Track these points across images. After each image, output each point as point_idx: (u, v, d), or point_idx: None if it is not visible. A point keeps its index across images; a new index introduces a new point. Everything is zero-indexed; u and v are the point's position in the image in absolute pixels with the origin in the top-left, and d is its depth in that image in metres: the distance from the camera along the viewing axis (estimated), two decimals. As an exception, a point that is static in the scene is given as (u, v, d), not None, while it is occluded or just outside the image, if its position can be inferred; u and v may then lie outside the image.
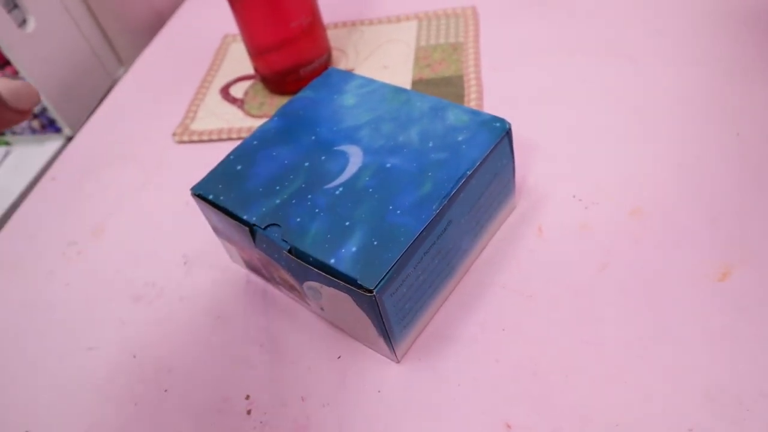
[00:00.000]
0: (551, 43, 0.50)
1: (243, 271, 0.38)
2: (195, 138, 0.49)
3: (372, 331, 0.30)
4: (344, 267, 0.27)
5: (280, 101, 0.50)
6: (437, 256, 0.30)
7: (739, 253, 0.33)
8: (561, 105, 0.44)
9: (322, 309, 0.32)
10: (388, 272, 0.27)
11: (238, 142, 0.48)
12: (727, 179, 0.37)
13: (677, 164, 0.38)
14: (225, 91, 0.53)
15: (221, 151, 0.48)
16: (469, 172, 0.30)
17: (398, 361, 0.32)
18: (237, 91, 0.53)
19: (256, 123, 0.49)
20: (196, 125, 0.50)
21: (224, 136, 0.48)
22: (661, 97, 0.43)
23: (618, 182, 0.38)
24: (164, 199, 0.45)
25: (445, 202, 0.29)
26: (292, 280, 0.32)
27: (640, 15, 0.51)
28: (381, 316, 0.28)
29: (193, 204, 0.44)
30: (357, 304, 0.28)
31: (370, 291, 0.26)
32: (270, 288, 0.37)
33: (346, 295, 0.28)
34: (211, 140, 0.49)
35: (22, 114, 0.20)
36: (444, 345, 0.32)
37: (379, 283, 0.26)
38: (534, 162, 0.41)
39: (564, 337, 0.31)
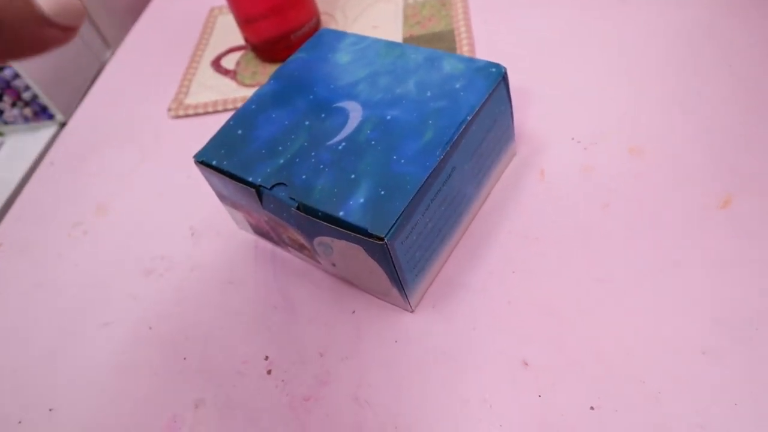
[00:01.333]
0: (540, -9, 0.50)
1: (251, 237, 0.39)
2: (190, 112, 0.49)
3: (385, 281, 0.30)
4: (354, 218, 0.28)
5: (272, 69, 0.50)
6: (443, 203, 0.31)
7: (739, 180, 0.33)
8: (553, 50, 0.44)
9: (333, 265, 0.33)
10: (397, 220, 0.27)
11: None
12: (722, 110, 0.37)
13: (672, 100, 0.38)
14: (216, 64, 0.53)
15: (217, 123, 0.48)
16: (469, 118, 0.30)
17: (412, 311, 0.32)
18: (228, 62, 0.52)
19: (250, 92, 0.49)
20: (191, 99, 0.50)
21: (219, 107, 0.48)
22: (652, 35, 0.43)
23: (614, 122, 0.38)
24: (165, 173, 0.45)
25: (448, 148, 0.29)
26: (302, 239, 0.32)
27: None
28: (393, 264, 0.28)
29: (195, 176, 0.44)
30: (369, 255, 0.28)
31: (381, 239, 0.27)
32: (279, 251, 0.37)
33: (358, 246, 0.28)
34: (206, 113, 0.49)
35: (66, 32, 0.17)
36: (456, 291, 0.33)
37: (390, 230, 0.27)
38: (531, 108, 0.41)
39: (573, 275, 0.32)
